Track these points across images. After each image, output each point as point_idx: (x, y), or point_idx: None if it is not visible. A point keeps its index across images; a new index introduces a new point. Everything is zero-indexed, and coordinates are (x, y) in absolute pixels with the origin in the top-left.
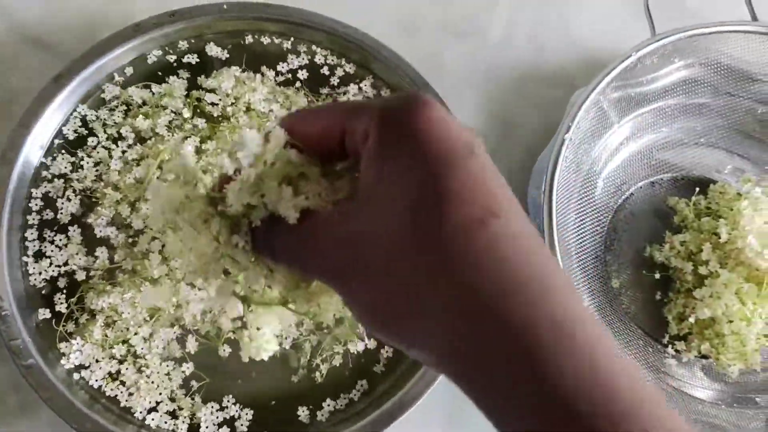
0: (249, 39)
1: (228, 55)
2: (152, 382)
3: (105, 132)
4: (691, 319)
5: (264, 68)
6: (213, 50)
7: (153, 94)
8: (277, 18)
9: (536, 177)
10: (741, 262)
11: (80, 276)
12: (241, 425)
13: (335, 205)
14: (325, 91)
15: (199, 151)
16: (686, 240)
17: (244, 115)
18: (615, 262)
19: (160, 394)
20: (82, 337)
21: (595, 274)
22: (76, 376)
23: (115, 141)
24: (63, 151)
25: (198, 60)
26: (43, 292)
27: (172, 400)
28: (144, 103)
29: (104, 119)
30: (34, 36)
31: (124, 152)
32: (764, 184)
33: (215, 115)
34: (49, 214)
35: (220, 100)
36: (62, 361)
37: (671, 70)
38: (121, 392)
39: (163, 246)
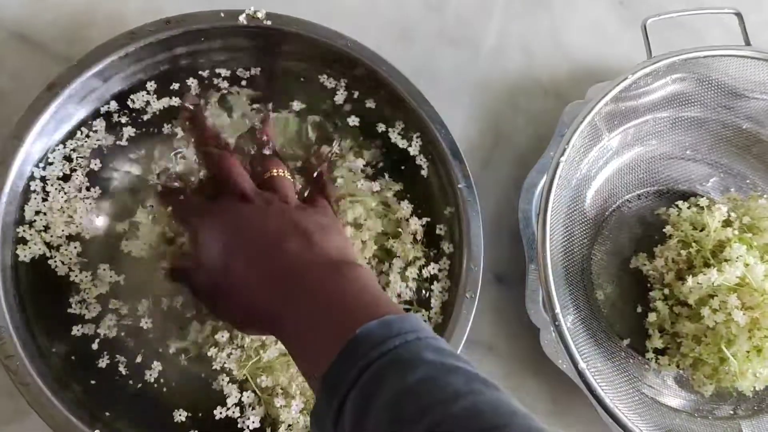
0: None
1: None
2: None
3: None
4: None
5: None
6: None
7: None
8: (276, 28)
9: (527, 192)
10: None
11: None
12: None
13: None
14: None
15: None
16: (676, 255)
17: None
18: (600, 274)
19: None
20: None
21: (581, 286)
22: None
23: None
24: (57, 161)
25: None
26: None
27: None
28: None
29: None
30: (20, 34)
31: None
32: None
33: None
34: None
35: None
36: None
37: (662, 84)
38: None
39: None
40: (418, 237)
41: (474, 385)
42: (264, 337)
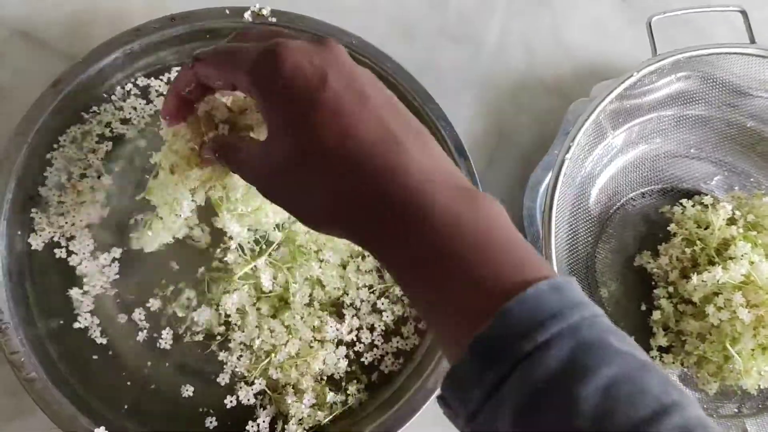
0: None
1: None
2: None
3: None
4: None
5: None
6: None
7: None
8: (281, 25)
9: (531, 189)
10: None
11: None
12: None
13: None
14: None
15: None
16: (681, 253)
17: None
18: (604, 272)
19: None
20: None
21: (585, 284)
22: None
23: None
24: (62, 159)
25: None
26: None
27: None
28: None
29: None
30: (23, 31)
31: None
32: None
33: None
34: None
35: None
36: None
37: (667, 82)
38: None
39: None
40: None
41: (673, 394)
42: (274, 341)
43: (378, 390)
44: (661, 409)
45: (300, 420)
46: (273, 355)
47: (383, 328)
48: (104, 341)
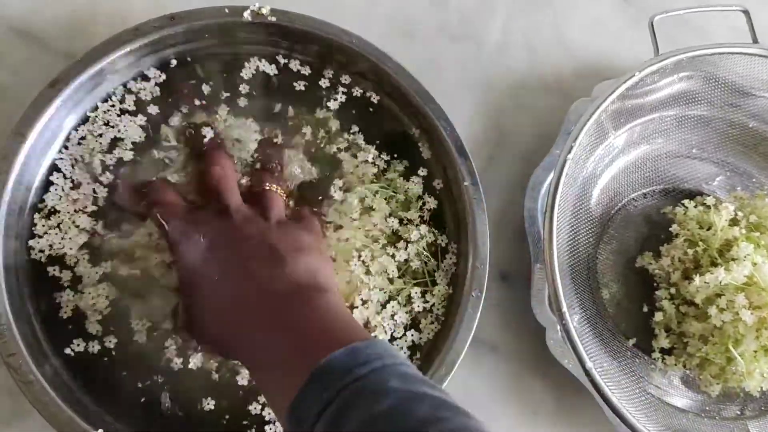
0: None
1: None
2: None
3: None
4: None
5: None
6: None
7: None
8: (280, 24)
9: (532, 190)
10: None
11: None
12: None
13: None
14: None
15: None
16: (683, 254)
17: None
18: (606, 273)
19: None
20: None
21: (587, 285)
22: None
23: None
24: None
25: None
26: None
27: None
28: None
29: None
30: (21, 30)
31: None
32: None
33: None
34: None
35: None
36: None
37: (669, 82)
38: None
39: None
40: (426, 217)
41: (441, 413)
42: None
43: None
44: (421, 424)
45: None
46: None
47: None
48: (105, 343)
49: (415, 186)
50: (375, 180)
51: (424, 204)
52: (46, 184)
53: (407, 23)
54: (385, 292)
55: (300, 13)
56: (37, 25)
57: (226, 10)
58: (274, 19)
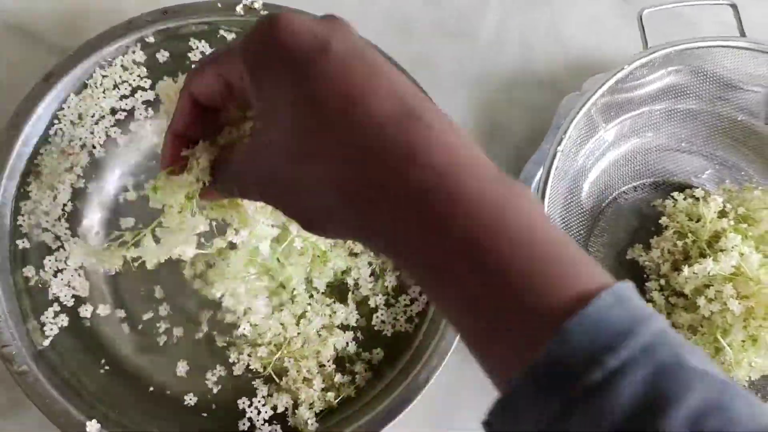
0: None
1: None
2: None
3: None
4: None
5: None
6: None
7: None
8: None
9: (524, 183)
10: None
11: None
12: None
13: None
14: None
15: None
16: (672, 246)
17: None
18: None
19: None
20: None
21: None
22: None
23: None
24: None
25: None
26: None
27: None
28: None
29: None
30: (16, 25)
31: None
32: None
33: None
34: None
35: None
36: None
37: (658, 76)
38: None
39: None
40: None
41: (762, 418)
42: (287, 333)
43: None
44: None
45: (311, 404)
46: (284, 347)
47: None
48: (100, 333)
49: None
50: None
51: None
52: (41, 176)
53: (403, 20)
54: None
55: (292, 7)
56: (32, 20)
57: (219, 5)
58: (266, 13)
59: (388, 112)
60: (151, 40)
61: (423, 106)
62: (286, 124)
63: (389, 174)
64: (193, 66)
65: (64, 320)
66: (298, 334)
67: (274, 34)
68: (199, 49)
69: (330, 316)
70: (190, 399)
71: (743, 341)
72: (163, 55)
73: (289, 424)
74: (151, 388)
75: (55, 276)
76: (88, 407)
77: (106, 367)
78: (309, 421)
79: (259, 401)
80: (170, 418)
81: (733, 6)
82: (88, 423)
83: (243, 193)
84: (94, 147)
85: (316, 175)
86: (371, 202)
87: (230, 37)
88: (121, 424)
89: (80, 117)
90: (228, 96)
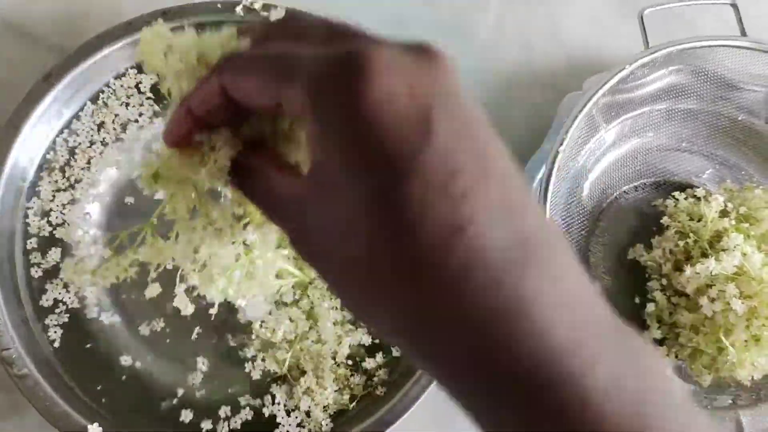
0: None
1: None
2: None
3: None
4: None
5: None
6: None
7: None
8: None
9: None
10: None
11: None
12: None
13: (288, 166)
14: None
15: None
16: (674, 246)
17: None
18: (598, 266)
19: None
20: None
21: None
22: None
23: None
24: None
25: None
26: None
27: None
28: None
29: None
30: (15, 25)
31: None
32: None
33: None
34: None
35: None
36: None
37: (659, 76)
38: None
39: None
40: None
41: None
42: (298, 329)
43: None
44: None
45: (325, 407)
46: (298, 344)
47: None
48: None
49: None
50: None
51: None
52: (40, 178)
53: (402, 20)
54: None
55: (291, 7)
56: (31, 20)
57: (219, 6)
58: (266, 14)
59: (502, 243)
60: None
61: (538, 228)
62: (358, 228)
63: (496, 343)
64: (235, 53)
65: (65, 323)
66: (310, 328)
67: (360, 92)
68: None
69: (342, 309)
70: (195, 403)
71: (746, 341)
72: None
73: (305, 426)
74: (154, 392)
75: (55, 278)
76: (89, 411)
77: (109, 371)
78: (324, 423)
79: (277, 402)
80: (175, 423)
81: (734, 5)
82: (89, 427)
83: (268, 215)
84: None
85: (389, 311)
86: (455, 360)
87: None
88: (123, 429)
89: (78, 118)
90: (272, 109)
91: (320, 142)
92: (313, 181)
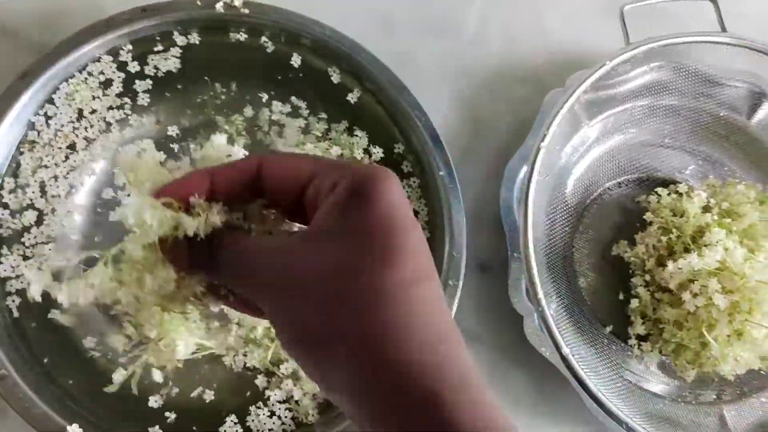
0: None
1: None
2: None
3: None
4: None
5: None
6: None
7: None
8: (254, 17)
9: (508, 180)
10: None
11: None
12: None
13: (270, 233)
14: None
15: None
16: (657, 242)
17: None
18: (582, 262)
19: None
20: None
21: (563, 273)
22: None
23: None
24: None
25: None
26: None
27: None
28: None
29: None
30: None
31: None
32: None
33: None
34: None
35: None
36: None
37: (641, 72)
38: None
39: None
40: None
41: None
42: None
43: None
44: None
45: (314, 395)
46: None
47: None
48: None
49: (360, 139)
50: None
51: (370, 156)
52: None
53: (385, 16)
54: None
55: (273, 5)
56: (9, 17)
57: (198, 2)
58: (246, 11)
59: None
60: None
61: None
62: (343, 263)
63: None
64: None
65: (41, 322)
66: None
67: (385, 196)
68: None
69: None
70: (177, 402)
71: (729, 336)
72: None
73: (293, 415)
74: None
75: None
76: (68, 412)
77: (88, 371)
78: (311, 412)
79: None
80: (157, 422)
81: (714, 1)
82: (68, 427)
83: (239, 281)
84: (75, 146)
85: (337, 323)
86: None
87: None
88: (103, 429)
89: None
90: (288, 192)
91: (338, 211)
92: (313, 232)
